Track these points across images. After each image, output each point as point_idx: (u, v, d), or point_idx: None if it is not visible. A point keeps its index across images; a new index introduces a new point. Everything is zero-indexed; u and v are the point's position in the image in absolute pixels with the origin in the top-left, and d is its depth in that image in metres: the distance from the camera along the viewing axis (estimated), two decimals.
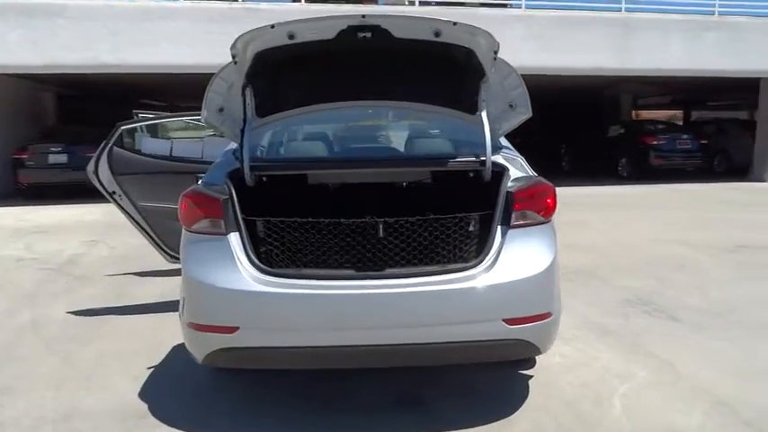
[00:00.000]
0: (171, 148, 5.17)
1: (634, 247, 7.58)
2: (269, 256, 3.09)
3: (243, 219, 3.03)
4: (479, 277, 2.90)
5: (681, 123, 24.27)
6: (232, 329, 2.86)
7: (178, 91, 19.32)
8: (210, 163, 4.78)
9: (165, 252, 5.20)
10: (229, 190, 3.08)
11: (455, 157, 3.40)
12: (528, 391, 3.45)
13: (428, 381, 3.57)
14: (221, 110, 3.37)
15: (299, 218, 3.09)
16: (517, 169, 3.29)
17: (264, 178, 3.37)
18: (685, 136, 16.24)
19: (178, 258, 5.21)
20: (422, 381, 3.56)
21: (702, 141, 16.12)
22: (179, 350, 3.98)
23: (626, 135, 16.63)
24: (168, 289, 5.69)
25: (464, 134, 3.58)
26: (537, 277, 2.95)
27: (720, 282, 5.89)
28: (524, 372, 3.68)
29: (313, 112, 3.52)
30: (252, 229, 3.09)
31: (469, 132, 3.49)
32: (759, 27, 14.51)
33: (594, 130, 18.01)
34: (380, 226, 3.09)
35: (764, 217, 10.13)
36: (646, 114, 27.94)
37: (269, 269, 2.92)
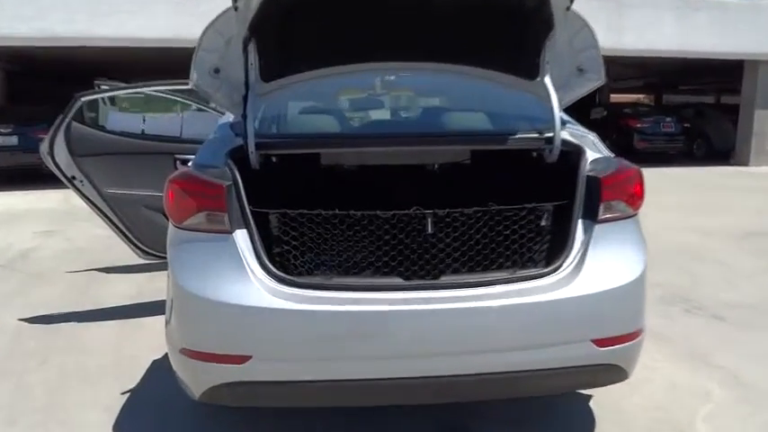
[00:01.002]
0: (143, 124, 4.37)
1: (649, 235, 7.10)
2: (287, 262, 2.39)
3: (252, 211, 2.32)
4: (561, 286, 2.26)
5: (653, 105, 24.16)
6: (242, 359, 2.16)
7: (144, 69, 18.05)
8: (192, 142, 4.08)
9: (137, 246, 4.42)
10: (233, 173, 2.36)
11: (512, 133, 2.73)
12: (594, 422, 2.85)
13: (472, 410, 2.93)
14: (217, 71, 2.62)
15: (324, 210, 2.40)
16: (589, 148, 2.65)
17: (274, 159, 2.66)
18: (669, 119, 15.93)
19: (153, 254, 4.51)
20: (464, 410, 2.92)
21: (685, 125, 15.89)
22: (160, 367, 3.26)
23: (608, 118, 16.24)
24: (141, 288, 4.91)
25: (521, 104, 2.93)
26: (631, 286, 2.33)
27: (747, 273, 5.54)
28: (583, 392, 3.08)
29: (333, 76, 2.79)
30: (264, 225, 2.39)
31: (528, 102, 2.83)
32: (746, 8, 14.22)
33: (576, 113, 17.57)
34: (429, 220, 2.41)
35: (762, 202, 9.85)
36: (617, 98, 27.82)
37: (289, 278, 2.23)
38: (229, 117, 2.86)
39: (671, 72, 20.25)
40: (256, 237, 2.29)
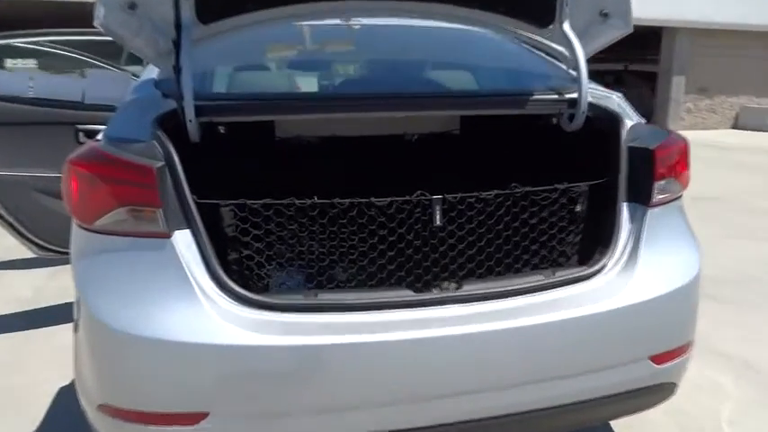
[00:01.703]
0: (31, 85, 3.45)
1: None
2: (249, 272, 1.74)
3: (197, 203, 1.64)
4: (612, 292, 1.75)
5: None
6: (193, 418, 1.51)
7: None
8: (98, 109, 3.24)
9: (30, 241, 3.55)
10: (165, 150, 1.66)
11: (524, 94, 2.16)
12: None
13: None
14: (132, 6, 1.85)
15: (297, 198, 1.75)
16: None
17: (222, 129, 1.96)
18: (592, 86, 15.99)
19: (52, 249, 3.66)
20: None
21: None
22: (65, 399, 2.53)
23: None
24: (35, 290, 4.03)
25: (533, 58, 2.36)
26: (689, 288, 1.86)
27: (713, 244, 5.32)
28: None
29: (295, 17, 2.09)
30: (214, 222, 1.71)
31: (541, 55, 2.27)
32: None
33: None
34: (438, 208, 1.82)
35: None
36: None
37: (255, 297, 1.58)
38: (152, 73, 2.11)
39: None
40: (205, 239, 1.61)
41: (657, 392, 1.88)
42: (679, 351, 1.87)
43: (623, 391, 1.78)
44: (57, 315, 3.26)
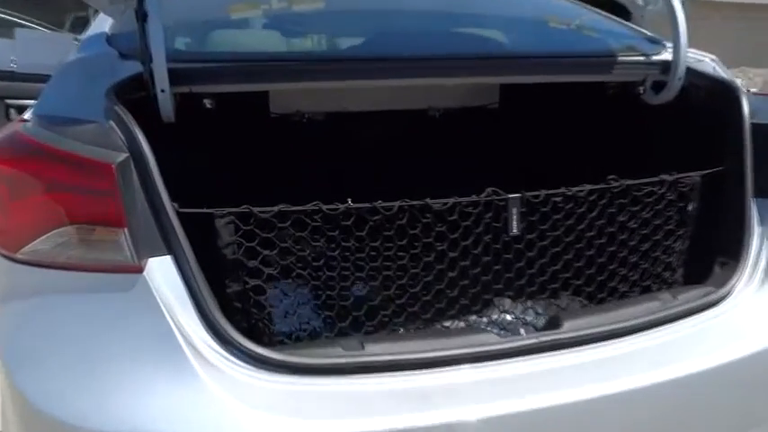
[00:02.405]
0: None
1: None
2: (260, 314, 1.21)
3: (179, 214, 1.09)
4: (750, 321, 1.30)
5: None
6: None
7: None
8: (29, 80, 2.61)
9: None
10: (129, 135, 1.10)
11: (600, 55, 1.66)
12: None
13: None
14: None
15: (319, 202, 1.22)
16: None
17: (209, 103, 1.40)
18: None
19: None
20: None
21: None
22: None
23: None
24: None
25: (597, 15, 1.86)
26: None
27: None
28: None
29: None
30: (207, 242, 1.16)
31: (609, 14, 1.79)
32: None
33: None
34: (514, 211, 1.32)
35: None
36: None
37: (278, 357, 1.06)
38: (104, 24, 1.52)
39: None
40: (194, 269, 1.07)
41: None
42: None
43: None
44: None
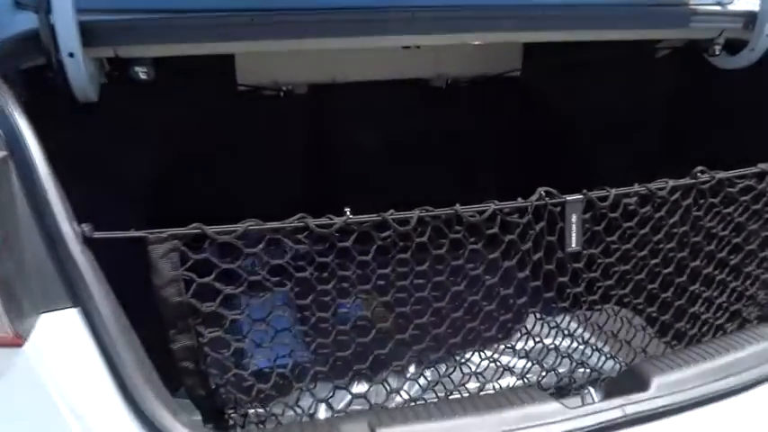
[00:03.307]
0: None
1: None
2: (225, 390, 0.84)
3: (88, 240, 0.71)
4: None
5: None
6: None
7: None
8: None
9: None
10: (7, 122, 0.70)
11: (661, 3, 1.28)
12: None
13: None
14: None
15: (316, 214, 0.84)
16: None
17: (143, 72, 1.00)
18: None
19: None
20: None
21: None
22: None
23: None
24: None
25: None
26: None
27: None
28: None
29: None
30: (135, 283, 0.78)
31: None
32: None
33: None
34: (574, 218, 0.96)
35: None
36: None
37: None
38: None
39: None
40: (111, 327, 0.70)
41: None
42: None
43: None
44: None
